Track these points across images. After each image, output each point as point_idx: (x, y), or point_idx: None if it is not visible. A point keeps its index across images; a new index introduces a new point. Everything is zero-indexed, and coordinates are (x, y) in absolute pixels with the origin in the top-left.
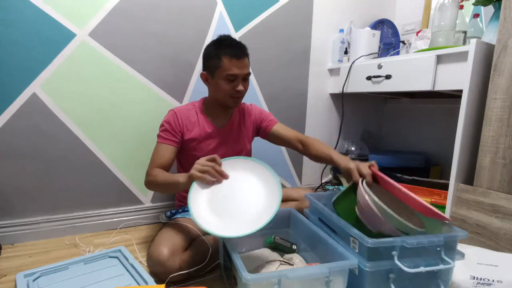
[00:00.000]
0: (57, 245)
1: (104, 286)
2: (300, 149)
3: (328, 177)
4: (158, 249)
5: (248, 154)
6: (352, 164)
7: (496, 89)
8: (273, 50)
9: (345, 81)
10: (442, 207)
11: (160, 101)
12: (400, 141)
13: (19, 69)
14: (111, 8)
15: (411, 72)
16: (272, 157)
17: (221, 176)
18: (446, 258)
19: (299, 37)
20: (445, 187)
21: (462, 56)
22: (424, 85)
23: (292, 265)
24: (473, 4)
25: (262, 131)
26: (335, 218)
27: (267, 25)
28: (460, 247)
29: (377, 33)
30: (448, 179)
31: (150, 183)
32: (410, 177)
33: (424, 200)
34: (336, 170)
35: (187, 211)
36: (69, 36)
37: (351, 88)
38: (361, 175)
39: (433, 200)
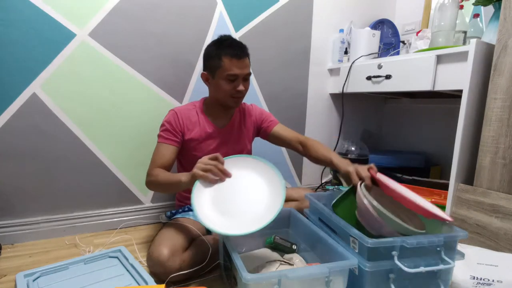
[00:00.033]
0: (57, 245)
1: (104, 286)
2: (300, 151)
3: (328, 177)
4: (158, 249)
5: (249, 154)
6: (351, 168)
7: (496, 89)
8: (273, 50)
9: (345, 81)
10: (442, 207)
11: (160, 101)
12: (400, 141)
13: (19, 69)
14: (111, 8)
15: (411, 72)
16: (272, 157)
17: (224, 174)
18: (446, 258)
19: (299, 37)
20: (445, 187)
21: (462, 56)
22: (424, 85)
23: (292, 265)
24: (473, 4)
25: (263, 131)
26: (335, 218)
27: (267, 25)
28: (460, 247)
29: (377, 33)
30: (448, 179)
31: (151, 183)
32: (410, 177)
33: (424, 200)
34: (336, 170)
35: (187, 211)
36: (69, 36)
37: (351, 88)
38: (360, 178)
39: (433, 200)
